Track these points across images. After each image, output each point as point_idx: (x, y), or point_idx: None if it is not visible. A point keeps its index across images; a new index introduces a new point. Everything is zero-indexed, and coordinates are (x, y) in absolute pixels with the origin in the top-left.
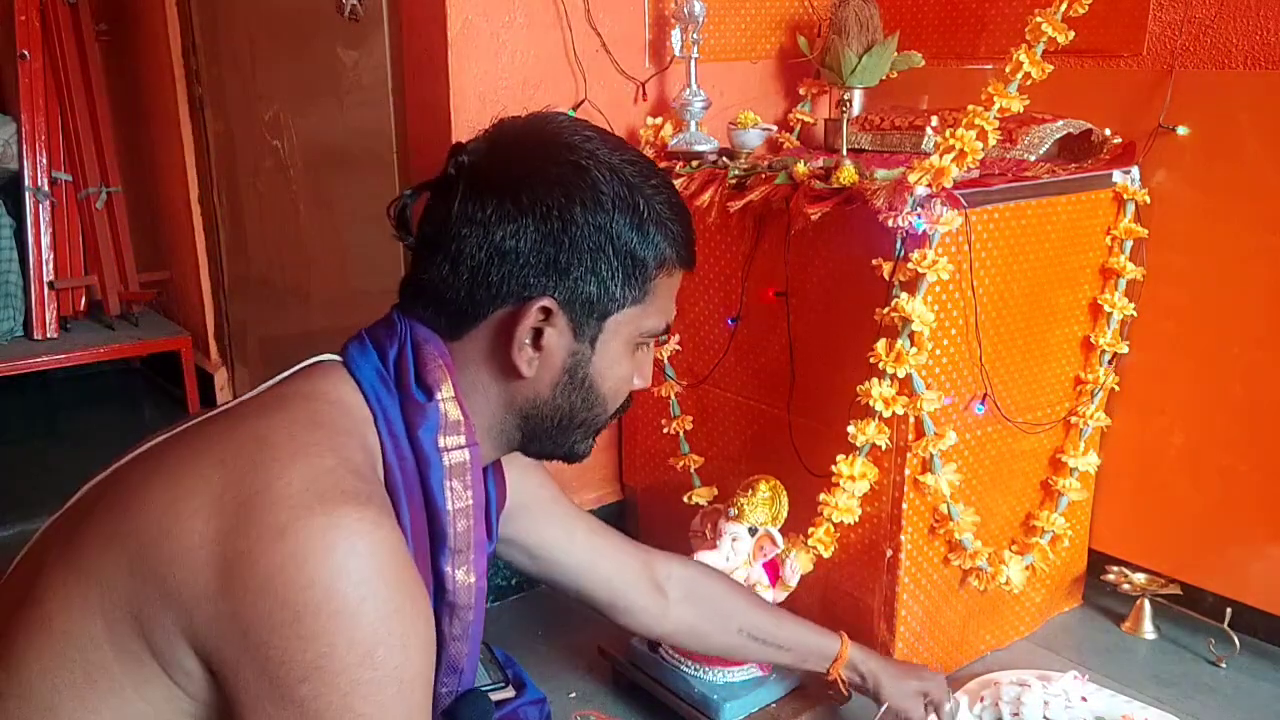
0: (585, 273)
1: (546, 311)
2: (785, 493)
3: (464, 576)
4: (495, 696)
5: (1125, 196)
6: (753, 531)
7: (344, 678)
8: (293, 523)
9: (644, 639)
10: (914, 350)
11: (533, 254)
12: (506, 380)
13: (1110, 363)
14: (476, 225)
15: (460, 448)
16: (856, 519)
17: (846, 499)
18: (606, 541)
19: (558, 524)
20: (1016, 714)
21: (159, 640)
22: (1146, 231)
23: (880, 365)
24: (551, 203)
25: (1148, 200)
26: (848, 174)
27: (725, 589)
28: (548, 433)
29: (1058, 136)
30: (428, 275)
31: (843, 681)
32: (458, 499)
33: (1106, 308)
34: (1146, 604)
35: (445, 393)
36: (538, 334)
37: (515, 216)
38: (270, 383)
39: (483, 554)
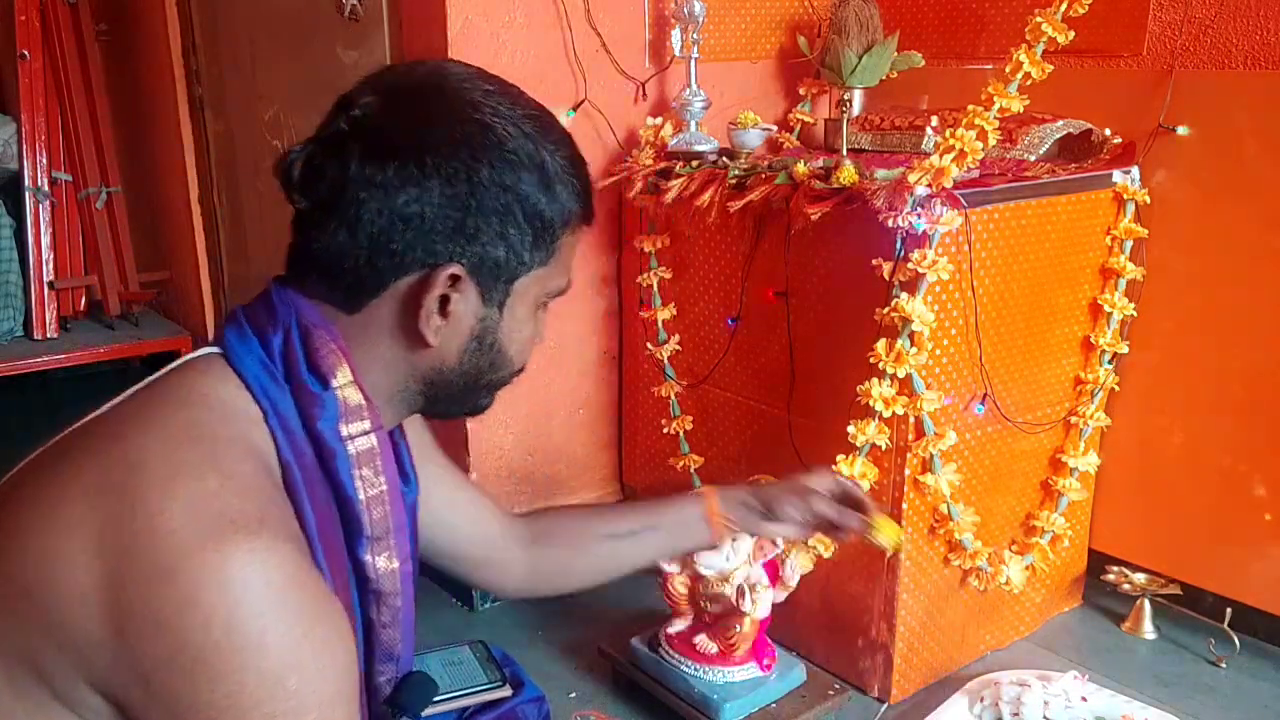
0: (494, 237)
1: (455, 278)
2: None
3: (385, 563)
4: (492, 696)
5: (1125, 196)
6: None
7: (257, 712)
8: (181, 563)
9: (644, 639)
10: (914, 350)
11: (438, 219)
12: (410, 350)
13: (1110, 363)
14: (377, 189)
15: (365, 434)
16: None
17: None
18: (473, 495)
19: (437, 480)
20: (1016, 714)
21: (60, 685)
22: (1146, 231)
23: (880, 365)
24: (459, 165)
25: (1148, 200)
26: (848, 174)
27: (575, 513)
28: (453, 396)
29: (1058, 136)
30: (321, 243)
31: (733, 528)
32: (370, 486)
33: (1106, 308)
34: (1146, 604)
35: (342, 378)
36: (444, 301)
37: (419, 179)
38: (146, 381)
39: (404, 536)
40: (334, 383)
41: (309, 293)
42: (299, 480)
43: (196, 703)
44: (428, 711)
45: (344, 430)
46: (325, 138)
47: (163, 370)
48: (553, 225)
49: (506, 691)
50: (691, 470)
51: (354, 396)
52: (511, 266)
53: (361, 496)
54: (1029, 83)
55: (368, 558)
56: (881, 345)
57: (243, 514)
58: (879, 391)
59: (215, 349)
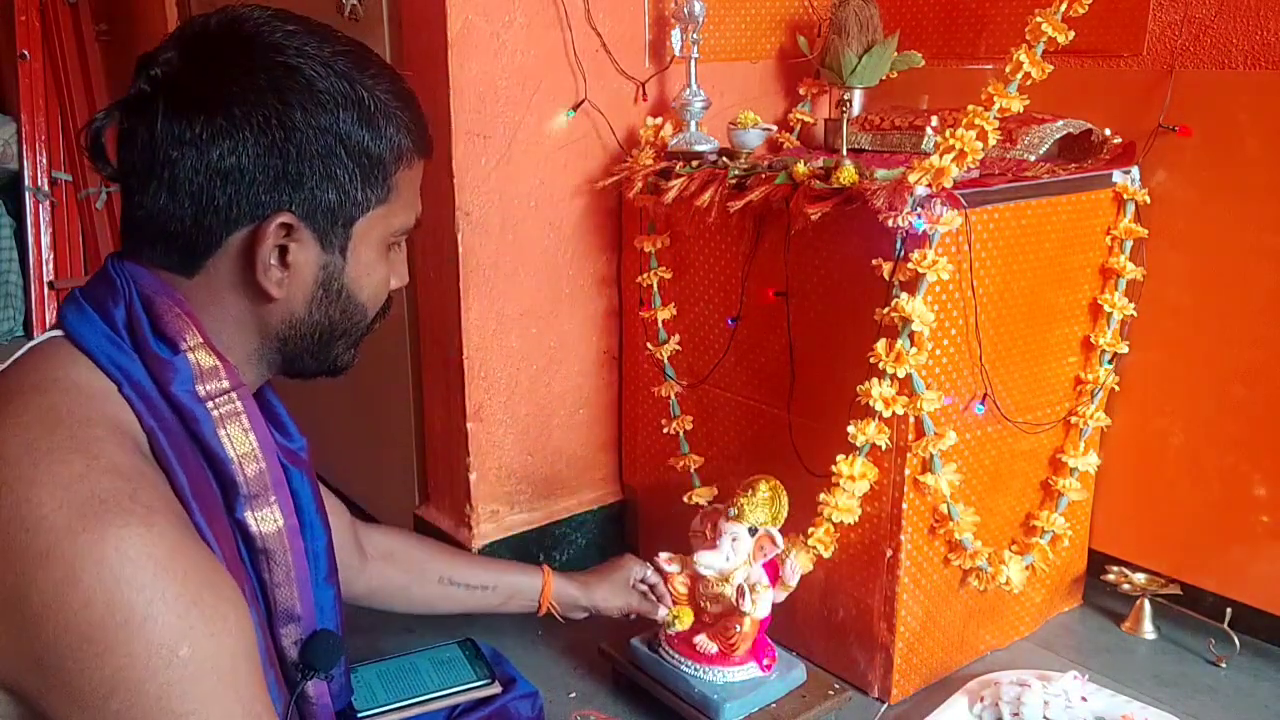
0: (320, 180)
1: (287, 227)
2: (785, 493)
3: (269, 521)
4: (481, 693)
5: (1125, 196)
6: (753, 531)
7: (152, 683)
8: (55, 548)
9: (644, 639)
10: (914, 350)
11: (258, 170)
12: (257, 306)
13: (1110, 363)
14: (188, 146)
15: (224, 393)
16: (856, 519)
17: (846, 499)
18: (324, 490)
19: None
20: (1016, 714)
21: None
22: (1146, 231)
23: (880, 365)
24: (268, 111)
25: (1148, 200)
26: (848, 174)
27: (425, 545)
28: (309, 350)
29: (1058, 136)
30: (145, 209)
31: (556, 612)
32: (239, 444)
33: (1106, 308)
34: (1146, 604)
35: (191, 340)
36: (283, 252)
37: (230, 132)
38: None
39: (285, 492)
40: (183, 346)
41: (147, 263)
42: (165, 445)
43: (89, 681)
44: (418, 710)
45: (201, 390)
46: (128, 100)
47: (6, 362)
48: (383, 161)
49: (495, 689)
50: (691, 470)
51: (206, 359)
52: (346, 208)
53: (232, 455)
54: (1029, 83)
55: (248, 516)
56: (881, 345)
57: (114, 492)
58: (879, 391)
59: (56, 333)
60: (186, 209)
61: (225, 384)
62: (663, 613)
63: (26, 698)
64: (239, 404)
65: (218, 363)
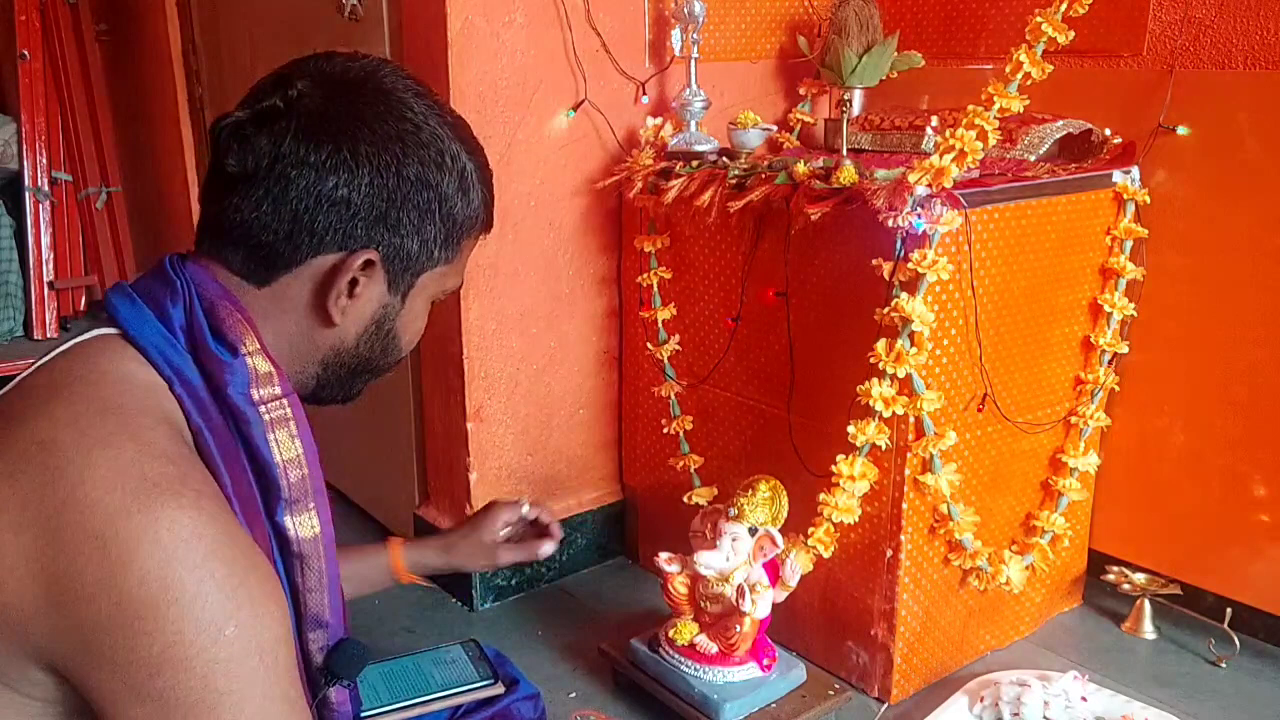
0: (411, 231)
1: (369, 264)
2: (785, 493)
3: (306, 527)
4: (484, 694)
5: (1125, 196)
6: (753, 531)
7: (199, 660)
8: (109, 528)
9: (644, 639)
10: (914, 350)
11: (364, 206)
12: (314, 329)
13: (1110, 363)
14: (308, 168)
15: (277, 398)
16: (856, 519)
17: (846, 499)
18: None
19: None
20: (1016, 714)
21: None
22: (1146, 231)
23: (880, 365)
24: (390, 158)
25: (1148, 200)
26: (848, 174)
27: None
28: (340, 379)
29: (1058, 136)
30: (241, 213)
31: (423, 581)
32: (285, 450)
33: (1106, 308)
34: (1146, 604)
35: (250, 346)
36: (353, 283)
37: (351, 166)
38: (39, 363)
39: (324, 501)
40: (243, 350)
41: (215, 266)
42: (212, 444)
43: (138, 658)
44: (421, 711)
45: (255, 394)
46: (260, 111)
47: (49, 355)
48: (462, 227)
49: (499, 689)
50: (692, 470)
51: (263, 365)
52: (420, 260)
53: (278, 459)
54: (1029, 83)
55: (287, 520)
56: (881, 345)
57: (164, 476)
58: (879, 391)
59: (107, 329)
60: (285, 223)
61: (278, 390)
62: (546, 548)
63: (71, 678)
64: (289, 410)
65: (273, 369)
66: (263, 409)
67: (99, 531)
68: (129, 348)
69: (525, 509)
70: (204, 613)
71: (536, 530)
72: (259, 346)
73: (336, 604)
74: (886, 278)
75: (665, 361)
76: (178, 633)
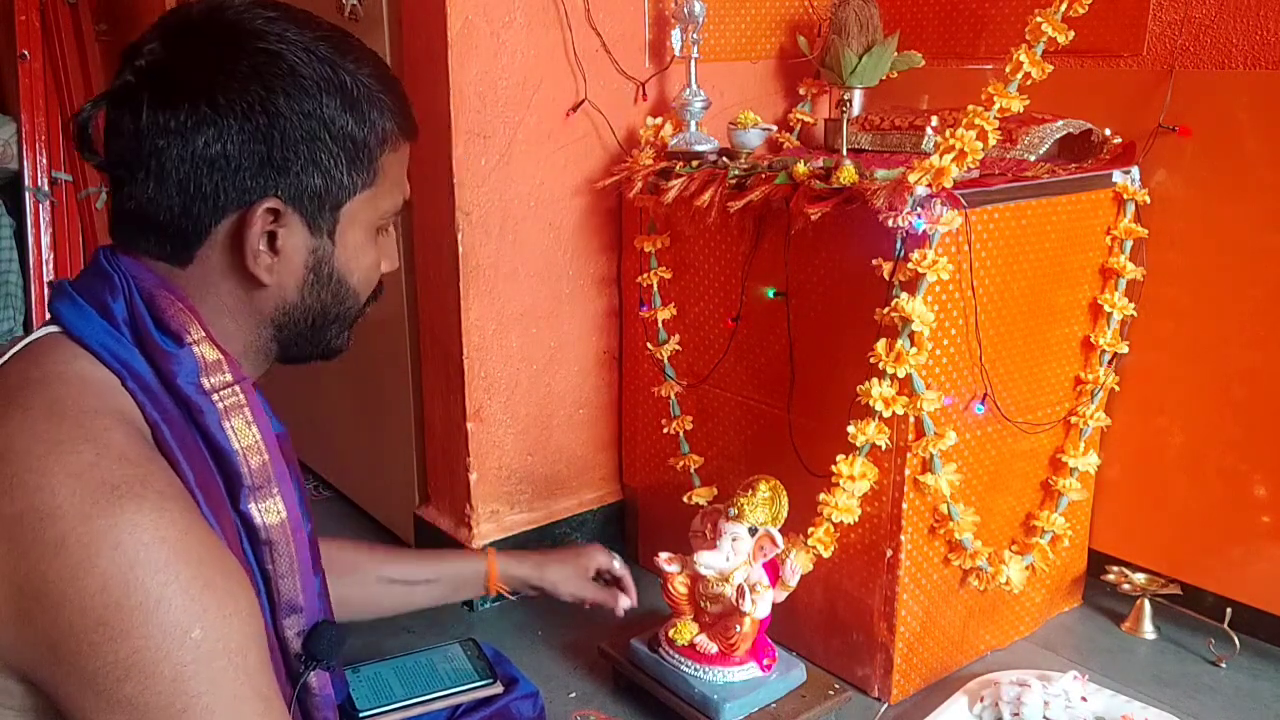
0: (306, 165)
1: (274, 213)
2: (785, 493)
3: (272, 513)
4: (483, 693)
5: (1125, 196)
6: (753, 531)
7: (166, 665)
8: (69, 535)
9: (644, 639)
10: (914, 350)
11: (243, 156)
12: (250, 293)
13: (1110, 363)
14: (173, 135)
15: (229, 386)
16: (856, 519)
17: (846, 499)
18: None
19: None
20: (1016, 714)
21: None
22: (1146, 231)
23: (880, 365)
24: (252, 98)
25: (1148, 200)
26: (848, 174)
27: (359, 548)
28: (303, 335)
29: (1058, 136)
30: (134, 200)
31: (505, 591)
32: (243, 437)
33: (1106, 308)
34: (1146, 604)
35: (195, 334)
36: (272, 238)
37: (214, 119)
38: None
39: (289, 484)
40: (188, 339)
41: (140, 256)
42: (169, 437)
43: (105, 665)
44: (420, 710)
45: (206, 383)
46: (114, 91)
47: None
48: (368, 145)
49: (497, 688)
50: (691, 470)
51: (210, 352)
52: (332, 192)
53: (236, 446)
54: (1029, 83)
55: (252, 508)
56: (881, 345)
57: (125, 478)
58: (879, 391)
59: (51, 329)
60: (175, 198)
61: (228, 377)
62: (624, 604)
63: (42, 687)
64: (242, 397)
65: (221, 356)
66: (215, 397)
67: (59, 538)
68: (77, 347)
69: (617, 564)
70: (169, 616)
71: (616, 585)
72: (204, 334)
73: (311, 588)
74: (886, 278)
75: (665, 361)
76: (143, 638)
